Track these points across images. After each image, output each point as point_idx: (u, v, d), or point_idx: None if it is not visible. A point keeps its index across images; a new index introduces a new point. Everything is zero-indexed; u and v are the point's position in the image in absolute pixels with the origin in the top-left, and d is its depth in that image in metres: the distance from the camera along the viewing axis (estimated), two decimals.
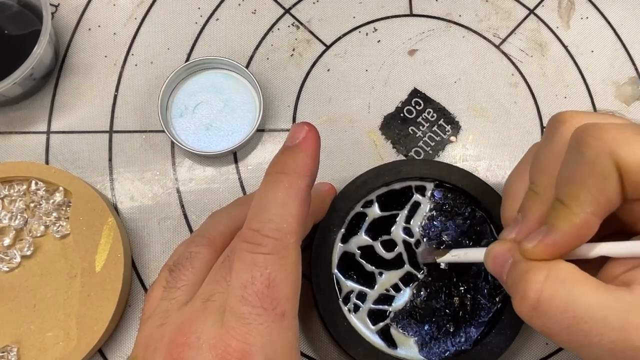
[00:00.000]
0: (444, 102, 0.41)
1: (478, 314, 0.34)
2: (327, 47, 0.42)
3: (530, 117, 0.41)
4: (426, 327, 0.34)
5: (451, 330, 0.34)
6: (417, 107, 0.41)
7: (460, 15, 0.43)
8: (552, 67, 0.42)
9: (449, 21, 0.43)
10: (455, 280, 0.35)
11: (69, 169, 0.39)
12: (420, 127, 0.41)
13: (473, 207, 0.36)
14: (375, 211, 0.36)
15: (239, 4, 0.43)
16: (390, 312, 0.35)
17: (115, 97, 0.40)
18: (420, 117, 0.41)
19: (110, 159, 0.39)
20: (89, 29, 0.42)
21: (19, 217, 0.36)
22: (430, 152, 0.40)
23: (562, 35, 0.43)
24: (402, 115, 0.41)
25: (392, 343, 0.34)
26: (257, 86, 0.38)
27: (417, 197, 0.37)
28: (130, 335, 0.36)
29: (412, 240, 0.36)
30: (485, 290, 0.35)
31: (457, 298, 0.35)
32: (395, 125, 0.40)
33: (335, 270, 0.35)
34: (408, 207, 0.36)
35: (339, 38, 0.42)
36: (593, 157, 0.23)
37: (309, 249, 0.35)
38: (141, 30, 0.42)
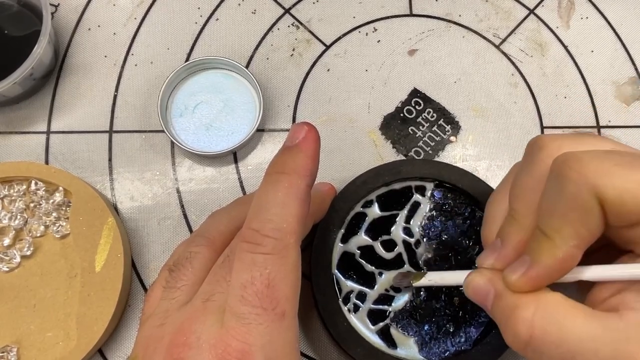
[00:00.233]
0: (444, 102, 0.41)
1: (478, 314, 0.34)
2: (327, 47, 0.42)
3: (530, 117, 0.41)
4: (426, 327, 0.34)
5: (451, 330, 0.34)
6: (417, 107, 0.41)
7: (460, 15, 0.43)
8: (552, 67, 0.42)
9: (449, 21, 0.43)
10: None
11: (69, 169, 0.39)
12: (420, 127, 0.41)
13: (473, 207, 0.36)
14: (375, 211, 0.36)
15: (239, 4, 0.43)
16: (390, 312, 0.35)
17: (115, 97, 0.40)
18: (420, 117, 0.41)
19: (110, 159, 0.39)
20: (89, 29, 0.42)
21: (18, 217, 0.36)
22: (430, 152, 0.40)
23: (562, 35, 0.43)
24: (402, 115, 0.41)
25: (392, 343, 0.34)
26: (257, 86, 0.38)
27: (417, 197, 0.37)
28: (130, 335, 0.36)
29: (412, 240, 0.36)
30: None
31: (457, 298, 0.35)
32: (395, 125, 0.40)
33: (335, 270, 0.35)
34: (408, 207, 0.36)
35: (339, 38, 0.42)
36: (575, 191, 0.23)
37: (309, 249, 0.35)
38: (141, 30, 0.42)
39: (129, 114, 0.40)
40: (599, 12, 0.44)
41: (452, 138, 0.40)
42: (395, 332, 0.34)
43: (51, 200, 0.36)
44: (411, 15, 0.43)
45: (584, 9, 0.44)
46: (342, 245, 0.36)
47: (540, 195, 0.25)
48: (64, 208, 0.36)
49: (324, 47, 0.42)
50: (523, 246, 0.26)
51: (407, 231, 0.36)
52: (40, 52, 0.36)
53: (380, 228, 0.36)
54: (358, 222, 0.36)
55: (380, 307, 0.35)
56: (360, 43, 0.42)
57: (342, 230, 0.36)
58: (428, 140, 0.40)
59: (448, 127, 0.41)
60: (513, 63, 0.42)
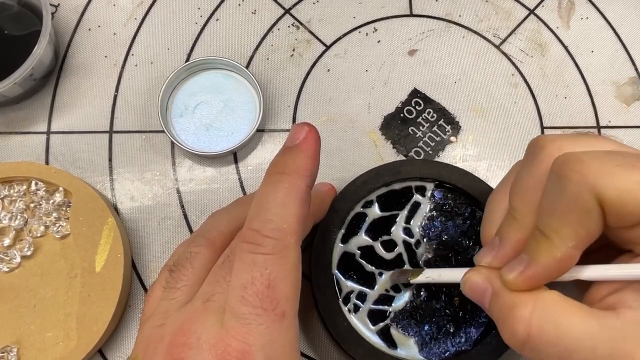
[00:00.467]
0: (444, 102, 0.41)
1: (478, 314, 0.34)
2: (327, 47, 0.42)
3: (530, 117, 0.41)
4: (426, 328, 0.34)
5: (451, 330, 0.34)
6: (417, 107, 0.41)
7: (460, 16, 0.43)
8: (552, 67, 0.42)
9: (449, 21, 0.43)
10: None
11: (69, 169, 0.39)
12: (420, 127, 0.41)
13: (473, 207, 0.36)
14: (375, 211, 0.36)
15: (239, 4, 0.43)
16: (390, 312, 0.35)
17: (115, 97, 0.40)
18: (420, 117, 0.41)
19: (110, 159, 0.39)
20: (89, 29, 0.42)
21: (19, 217, 0.36)
22: (430, 152, 0.40)
23: (562, 35, 0.43)
24: (402, 115, 0.41)
25: (392, 343, 0.34)
26: (257, 86, 0.38)
27: (417, 197, 0.37)
28: (130, 335, 0.36)
29: (412, 241, 0.36)
30: None
31: (457, 298, 0.35)
32: (395, 125, 0.40)
33: (335, 271, 0.35)
34: (408, 207, 0.36)
35: (339, 38, 0.42)
36: (575, 192, 0.23)
37: (309, 249, 0.35)
38: (141, 30, 0.42)
39: (129, 114, 0.40)
40: (599, 12, 0.44)
41: (452, 138, 0.40)
42: (395, 332, 0.34)
43: (51, 201, 0.36)
44: (411, 15, 0.43)
45: (584, 9, 0.44)
46: (342, 245, 0.36)
47: (540, 195, 0.25)
48: (64, 208, 0.36)
49: (324, 48, 0.42)
50: (521, 245, 0.26)
51: (408, 231, 0.36)
52: (40, 52, 0.36)
53: (380, 228, 0.36)
54: (358, 222, 0.36)
55: (381, 307, 0.35)
56: (360, 43, 0.42)
57: (342, 231, 0.36)
58: (428, 141, 0.40)
59: (448, 127, 0.41)
60: (513, 63, 0.42)
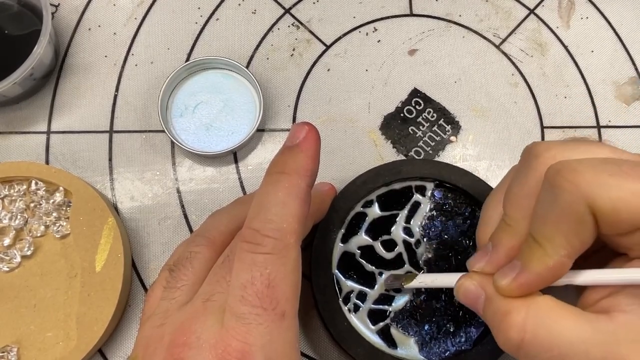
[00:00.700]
0: (444, 102, 0.41)
1: None
2: (327, 47, 0.42)
3: (530, 117, 0.41)
4: (426, 327, 0.34)
5: (451, 330, 0.34)
6: (417, 107, 0.41)
7: (460, 15, 0.43)
8: (552, 67, 0.42)
9: (449, 21, 0.43)
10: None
11: (69, 169, 0.39)
12: (420, 127, 0.41)
13: (473, 207, 0.36)
14: (375, 211, 0.36)
15: (239, 4, 0.43)
16: (390, 312, 0.35)
17: (115, 97, 0.40)
18: (420, 117, 0.41)
19: (110, 159, 0.39)
20: (89, 29, 0.42)
21: (19, 217, 0.36)
22: (430, 152, 0.40)
23: (562, 35, 0.43)
24: (402, 115, 0.41)
25: (392, 343, 0.34)
26: (257, 86, 0.38)
27: (417, 197, 0.37)
28: (130, 335, 0.36)
29: (412, 240, 0.36)
30: None
31: None
32: (395, 125, 0.40)
33: (335, 270, 0.35)
34: (408, 207, 0.36)
35: (339, 38, 0.42)
36: (568, 202, 0.23)
37: (309, 249, 0.35)
38: (141, 30, 0.42)
39: (129, 114, 0.40)
40: (599, 12, 0.44)
41: (452, 138, 0.40)
42: (395, 332, 0.34)
43: (51, 200, 0.36)
44: (411, 15, 0.43)
45: (584, 9, 0.44)
46: (342, 245, 0.36)
47: (534, 203, 0.25)
48: (64, 208, 0.36)
49: (324, 47, 0.42)
50: (514, 252, 0.26)
51: (408, 231, 0.36)
52: (41, 52, 0.36)
53: (380, 228, 0.36)
54: (358, 222, 0.36)
55: (381, 307, 0.35)
56: (360, 43, 0.42)
57: (342, 230, 0.36)
58: (428, 140, 0.40)
59: (448, 127, 0.41)
60: (513, 63, 0.42)
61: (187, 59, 0.41)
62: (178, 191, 0.39)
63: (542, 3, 0.44)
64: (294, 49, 0.42)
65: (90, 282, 0.34)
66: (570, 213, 0.23)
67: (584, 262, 0.25)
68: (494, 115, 0.41)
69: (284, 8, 0.42)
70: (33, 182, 0.36)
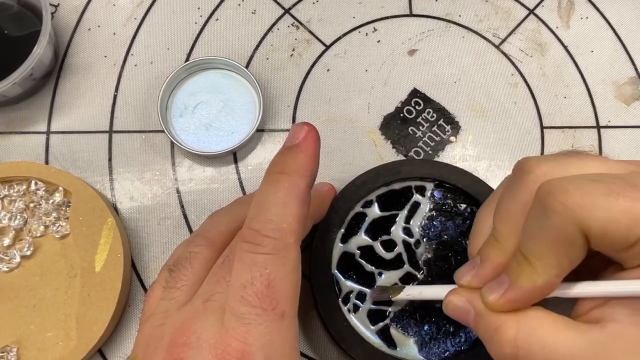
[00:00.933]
0: (443, 102, 0.41)
1: None
2: (327, 47, 0.42)
3: (530, 117, 0.41)
4: (426, 327, 0.34)
5: (451, 330, 0.34)
6: (416, 107, 0.41)
7: (460, 15, 0.43)
8: (552, 67, 0.42)
9: (449, 21, 0.43)
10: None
11: (69, 169, 0.39)
12: (420, 127, 0.41)
13: (472, 207, 0.36)
14: (375, 211, 0.36)
15: (239, 4, 0.43)
16: (389, 312, 0.35)
17: (115, 97, 0.40)
18: (420, 117, 0.41)
19: (110, 159, 0.39)
20: (89, 29, 0.42)
21: (18, 217, 0.36)
22: (430, 152, 0.40)
23: (562, 35, 0.43)
24: (401, 115, 0.41)
25: (391, 343, 0.34)
26: (257, 86, 0.38)
27: (416, 197, 0.37)
28: (130, 335, 0.36)
29: (411, 241, 0.36)
30: None
31: None
32: (395, 125, 0.40)
33: (335, 270, 0.35)
34: (408, 207, 0.36)
35: (339, 38, 0.42)
36: (559, 224, 0.23)
37: (309, 249, 0.35)
38: (141, 30, 0.42)
39: (129, 114, 0.40)
40: (599, 12, 0.44)
41: (452, 138, 0.40)
42: (395, 332, 0.34)
43: (51, 200, 0.36)
44: (411, 15, 0.43)
45: (584, 9, 0.44)
46: (342, 245, 0.36)
47: (524, 220, 0.25)
48: (63, 208, 0.36)
49: (324, 47, 0.42)
50: (502, 268, 0.26)
51: (407, 231, 0.36)
52: (40, 52, 0.36)
53: (380, 228, 0.36)
54: (358, 222, 0.36)
55: (380, 307, 0.35)
56: (360, 43, 0.42)
57: (342, 230, 0.36)
58: (428, 141, 0.40)
59: (448, 127, 0.41)
60: (513, 63, 0.42)
61: (187, 59, 0.41)
62: (178, 191, 0.39)
63: (542, 3, 0.44)
64: (293, 49, 0.42)
65: (90, 282, 0.34)
66: (561, 234, 0.23)
67: (576, 269, 0.25)
68: (494, 115, 0.41)
69: (283, 8, 0.42)
70: (33, 182, 0.36)
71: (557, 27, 0.43)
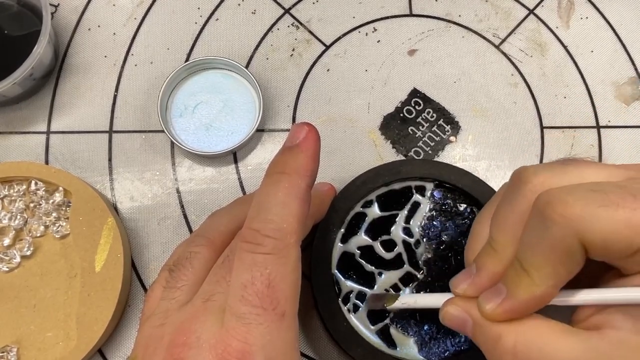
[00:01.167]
0: (443, 102, 0.41)
1: None
2: (327, 47, 0.42)
3: (530, 117, 0.41)
4: (426, 327, 0.34)
5: (450, 330, 0.34)
6: (416, 107, 0.41)
7: (460, 15, 0.43)
8: (552, 67, 0.42)
9: (449, 21, 0.43)
10: None
11: (69, 169, 0.39)
12: (420, 127, 0.41)
13: (473, 207, 0.36)
14: (375, 211, 0.36)
15: (239, 4, 0.43)
16: (389, 312, 0.35)
17: (115, 97, 0.40)
18: (420, 117, 0.41)
19: (110, 159, 0.39)
20: (89, 29, 0.42)
21: (18, 217, 0.36)
22: (430, 152, 0.40)
23: (561, 35, 0.43)
24: (401, 115, 0.41)
25: (391, 343, 0.34)
26: (256, 86, 0.38)
27: (416, 197, 0.37)
28: (130, 335, 0.36)
29: (411, 241, 0.36)
30: None
31: None
32: (395, 125, 0.41)
33: (335, 270, 0.35)
34: (408, 207, 0.36)
35: (339, 38, 0.42)
36: (559, 235, 0.23)
37: (309, 249, 0.35)
38: (141, 30, 0.42)
39: (129, 114, 0.40)
40: (598, 12, 0.44)
41: (452, 138, 0.40)
42: (395, 332, 0.34)
43: (51, 200, 0.36)
44: (411, 15, 0.43)
45: (584, 9, 0.44)
46: (342, 245, 0.36)
47: (522, 230, 0.25)
48: (63, 208, 0.36)
49: (324, 47, 0.42)
50: (498, 277, 0.26)
51: (407, 231, 0.36)
52: (40, 52, 0.36)
53: (380, 228, 0.36)
54: (358, 222, 0.36)
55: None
56: (360, 43, 0.42)
57: (342, 230, 0.36)
58: (428, 141, 0.40)
59: (448, 127, 0.41)
60: (513, 63, 0.42)
61: (187, 59, 0.41)
62: (178, 191, 0.39)
63: (542, 3, 0.44)
64: (293, 49, 0.42)
65: (90, 282, 0.34)
66: (560, 246, 0.23)
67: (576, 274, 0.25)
68: (494, 115, 0.41)
69: (283, 8, 0.42)
70: (33, 182, 0.36)
71: (557, 27, 0.43)
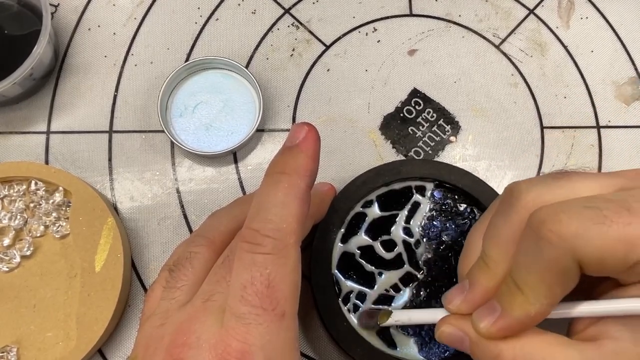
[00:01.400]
0: (443, 102, 0.41)
1: None
2: (327, 47, 0.42)
3: (530, 117, 0.41)
4: (426, 327, 0.34)
5: None
6: (416, 107, 0.41)
7: (460, 15, 0.43)
8: (552, 67, 0.42)
9: (449, 21, 0.43)
10: (455, 280, 0.35)
11: (69, 169, 0.39)
12: (420, 127, 0.41)
13: (473, 207, 0.36)
14: (375, 211, 0.36)
15: (239, 4, 0.43)
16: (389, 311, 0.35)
17: (115, 97, 0.40)
18: (420, 117, 0.41)
19: (110, 159, 0.39)
20: (89, 29, 0.42)
21: (18, 217, 0.36)
22: (430, 152, 0.40)
23: (562, 35, 0.43)
24: (401, 115, 0.41)
25: (391, 343, 0.34)
26: (256, 86, 0.38)
27: (417, 197, 0.37)
28: (130, 335, 0.36)
29: (412, 240, 0.36)
30: None
31: None
32: (395, 125, 0.40)
33: (335, 270, 0.35)
34: (408, 207, 0.36)
35: (339, 38, 0.42)
36: (554, 254, 0.23)
37: (309, 249, 0.35)
38: (141, 30, 0.42)
39: (129, 114, 0.40)
40: (598, 12, 0.44)
41: (452, 138, 0.40)
42: (395, 332, 0.34)
43: (51, 200, 0.36)
44: (411, 15, 0.43)
45: (584, 9, 0.44)
46: (342, 245, 0.36)
47: (516, 247, 0.25)
48: (63, 208, 0.36)
49: (324, 47, 0.42)
50: (491, 293, 0.26)
51: (407, 231, 0.36)
52: (40, 52, 0.36)
53: (380, 228, 0.36)
54: (358, 222, 0.36)
55: (380, 307, 0.35)
56: (360, 43, 0.42)
57: (342, 230, 0.36)
58: (428, 140, 0.40)
59: (448, 127, 0.41)
60: (513, 63, 0.42)
61: (187, 59, 0.41)
62: (178, 191, 0.39)
63: (542, 3, 0.44)
64: (293, 49, 0.42)
65: (90, 282, 0.34)
66: (555, 265, 0.23)
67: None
68: (494, 115, 0.41)
69: (283, 8, 0.42)
70: (33, 182, 0.36)
71: (557, 27, 0.43)
